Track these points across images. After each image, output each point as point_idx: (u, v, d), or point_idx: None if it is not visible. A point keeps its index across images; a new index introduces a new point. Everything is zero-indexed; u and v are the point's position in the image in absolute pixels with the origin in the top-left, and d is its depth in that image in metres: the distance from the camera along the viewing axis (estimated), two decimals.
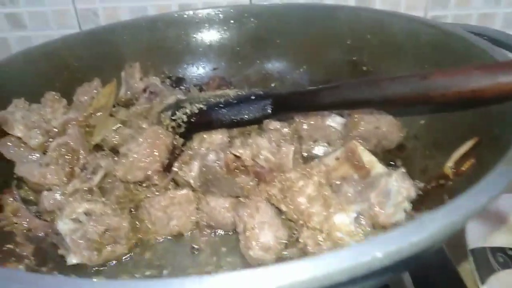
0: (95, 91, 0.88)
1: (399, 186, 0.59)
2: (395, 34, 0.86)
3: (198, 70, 1.06)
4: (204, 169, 0.63)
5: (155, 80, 0.91)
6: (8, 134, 0.72)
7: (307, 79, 1.00)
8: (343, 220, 0.55)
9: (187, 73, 1.05)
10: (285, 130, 0.69)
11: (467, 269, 0.77)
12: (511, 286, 0.73)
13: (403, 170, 0.60)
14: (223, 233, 0.64)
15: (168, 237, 0.64)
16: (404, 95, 0.55)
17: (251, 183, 0.60)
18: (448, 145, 0.65)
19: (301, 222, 0.56)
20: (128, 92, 0.91)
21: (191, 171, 0.64)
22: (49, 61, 0.87)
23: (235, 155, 0.59)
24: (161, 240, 0.64)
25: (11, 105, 0.74)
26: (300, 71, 1.01)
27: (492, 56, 0.58)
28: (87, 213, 0.58)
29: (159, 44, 1.01)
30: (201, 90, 1.00)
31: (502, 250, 0.80)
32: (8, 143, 0.70)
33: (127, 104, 0.90)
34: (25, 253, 0.57)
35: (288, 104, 0.69)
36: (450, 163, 0.63)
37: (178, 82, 1.03)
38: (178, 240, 0.64)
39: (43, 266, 0.57)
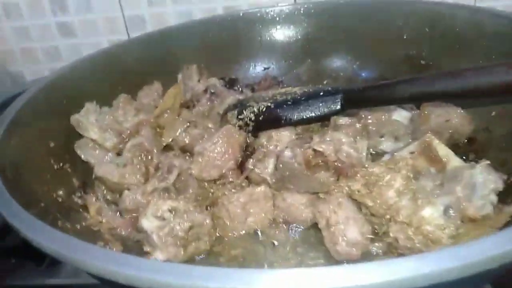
0: (156, 93, 0.90)
1: (485, 178, 0.58)
2: (456, 26, 0.84)
3: (250, 71, 1.07)
4: (280, 165, 0.63)
5: (215, 81, 0.92)
6: (83, 136, 0.75)
7: (361, 76, 1.00)
8: (432, 213, 0.54)
9: (239, 74, 1.06)
10: (358, 125, 0.69)
11: None
12: None
13: (487, 162, 0.59)
14: (300, 229, 0.64)
15: (245, 234, 0.65)
16: (488, 87, 0.54)
17: (331, 179, 0.60)
18: None
19: (388, 216, 0.55)
20: (187, 94, 0.93)
21: (267, 168, 0.65)
22: (112, 66, 0.89)
23: (315, 151, 0.59)
24: (239, 236, 0.64)
25: (84, 109, 0.76)
26: (353, 68, 1.01)
27: None
28: (171, 211, 0.59)
29: (211, 46, 1.03)
30: (253, 90, 1.01)
31: None
32: (85, 145, 0.72)
33: (187, 105, 0.91)
34: (115, 249, 0.59)
35: (360, 99, 0.69)
36: None
37: (231, 83, 1.04)
38: (255, 236, 0.64)
39: None
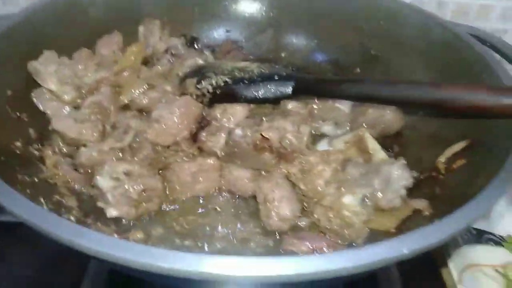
0: (116, 45, 0.90)
1: (399, 175, 0.69)
2: (408, 26, 0.92)
3: (212, 31, 1.08)
4: (231, 142, 0.70)
5: (176, 41, 0.94)
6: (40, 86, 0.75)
7: (316, 56, 1.06)
8: (351, 201, 0.64)
9: (201, 33, 1.07)
10: (303, 111, 0.76)
11: None
12: (469, 259, 0.87)
13: (403, 161, 0.70)
14: (240, 199, 0.73)
15: (192, 198, 0.72)
16: (419, 100, 0.63)
17: (273, 160, 0.68)
18: (443, 141, 0.74)
19: (315, 200, 0.65)
20: (148, 49, 0.94)
21: (218, 142, 0.71)
22: (73, 12, 0.87)
23: (263, 136, 0.66)
24: (186, 200, 0.72)
25: (42, 57, 0.76)
26: (311, 46, 1.06)
27: (497, 74, 0.66)
28: (126, 173, 0.65)
29: (177, 2, 1.03)
30: (213, 51, 1.04)
31: (467, 229, 0.94)
32: (42, 95, 0.74)
33: (147, 60, 0.93)
34: (70, 204, 0.64)
35: (309, 89, 0.76)
36: (442, 159, 0.73)
37: (192, 41, 1.06)
38: (201, 202, 0.72)
39: (87, 217, 0.64)
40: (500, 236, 0.95)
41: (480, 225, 0.95)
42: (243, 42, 1.09)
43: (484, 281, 0.84)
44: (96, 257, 0.40)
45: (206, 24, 1.08)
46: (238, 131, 0.70)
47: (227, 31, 1.09)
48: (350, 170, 0.72)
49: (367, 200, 0.65)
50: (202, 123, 0.75)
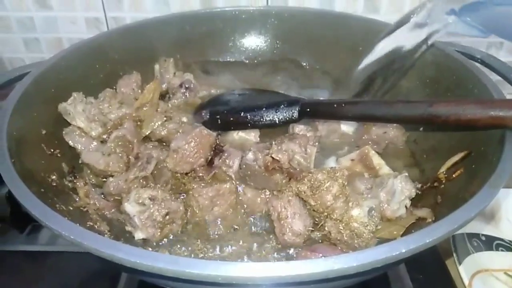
0: (135, 83, 0.99)
1: (403, 187, 0.74)
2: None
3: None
4: (244, 166, 0.77)
5: (189, 76, 1.02)
6: (70, 124, 0.84)
7: (318, 78, 1.12)
8: (359, 213, 0.69)
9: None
10: (310, 134, 0.82)
11: (446, 250, 0.93)
12: (480, 265, 0.90)
13: (406, 174, 0.75)
14: (256, 218, 0.78)
15: (211, 219, 0.78)
16: (414, 117, 0.69)
17: (283, 180, 0.74)
18: (443, 153, 0.79)
19: (325, 214, 0.70)
20: (164, 85, 1.03)
21: (231, 167, 0.78)
22: (95, 56, 0.96)
23: (273, 158, 0.73)
24: (206, 221, 0.78)
25: (70, 98, 0.84)
26: (313, 70, 1.13)
27: (487, 87, 0.72)
28: (151, 198, 0.71)
29: (187, 39, 1.11)
30: None
31: (476, 235, 0.97)
32: (72, 133, 0.82)
33: (163, 94, 1.01)
34: (102, 229, 0.71)
35: (314, 112, 0.82)
36: (443, 169, 0.78)
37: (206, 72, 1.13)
38: (219, 222, 0.78)
39: (118, 240, 0.70)
40: (510, 241, 0.98)
41: (491, 232, 0.99)
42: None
43: (494, 284, 0.86)
44: (133, 267, 0.46)
45: (216, 57, 1.16)
46: (250, 155, 0.76)
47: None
48: (357, 184, 0.77)
49: (374, 212, 0.70)
50: (217, 150, 0.82)
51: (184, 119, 0.90)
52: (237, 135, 0.85)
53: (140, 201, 0.71)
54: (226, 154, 0.79)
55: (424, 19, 0.78)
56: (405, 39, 0.81)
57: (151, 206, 0.71)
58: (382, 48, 0.84)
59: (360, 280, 0.58)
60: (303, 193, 0.72)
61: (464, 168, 0.72)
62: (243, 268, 0.43)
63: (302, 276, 0.42)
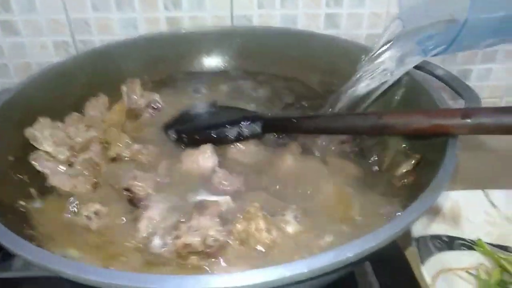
0: (102, 106, 1.01)
1: None
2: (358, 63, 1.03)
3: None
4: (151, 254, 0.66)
5: (156, 96, 1.04)
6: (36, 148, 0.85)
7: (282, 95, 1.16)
8: (292, 227, 0.70)
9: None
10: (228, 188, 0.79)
11: (412, 253, 0.97)
12: (443, 264, 0.94)
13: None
14: None
15: None
16: (364, 128, 0.74)
17: (202, 262, 0.65)
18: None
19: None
20: (131, 106, 1.05)
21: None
22: (61, 80, 0.98)
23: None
24: None
25: (37, 123, 0.86)
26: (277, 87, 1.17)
27: (433, 98, 0.77)
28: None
29: (153, 61, 1.14)
30: None
31: (438, 237, 1.02)
32: (39, 157, 0.83)
33: (131, 117, 1.03)
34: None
35: (276, 126, 0.87)
36: (397, 175, 0.82)
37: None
38: None
39: None
40: (471, 240, 1.03)
41: (453, 233, 1.03)
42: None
43: (457, 283, 0.90)
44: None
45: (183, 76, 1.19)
46: (157, 241, 0.67)
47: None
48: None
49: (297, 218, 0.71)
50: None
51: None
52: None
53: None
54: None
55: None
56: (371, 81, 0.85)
57: None
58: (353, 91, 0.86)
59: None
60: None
61: (416, 175, 0.77)
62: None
63: None
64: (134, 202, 0.76)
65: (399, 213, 0.53)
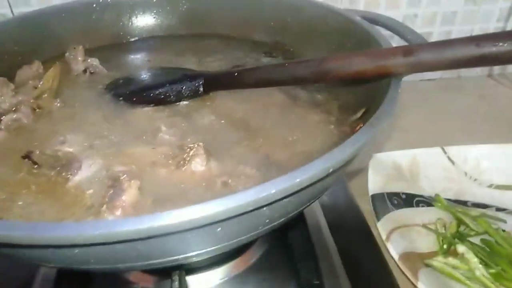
0: (36, 72, 0.94)
1: None
2: (312, 21, 0.99)
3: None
4: None
5: (94, 61, 0.98)
6: None
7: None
8: None
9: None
10: None
11: (369, 211, 0.95)
12: (400, 221, 0.92)
13: None
14: None
15: None
16: (306, 76, 0.70)
17: None
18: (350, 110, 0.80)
19: None
20: (72, 72, 0.98)
21: None
22: None
23: None
24: None
25: None
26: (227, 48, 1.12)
27: (380, 43, 0.74)
28: None
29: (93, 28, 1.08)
30: None
31: (397, 194, 1.00)
32: None
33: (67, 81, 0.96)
34: None
35: (218, 83, 0.82)
36: (348, 123, 0.79)
37: None
38: None
39: None
40: (429, 196, 1.01)
41: (412, 190, 1.02)
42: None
43: (413, 237, 0.89)
44: None
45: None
46: None
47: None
48: None
49: None
50: None
51: None
52: None
53: None
54: None
55: None
56: None
57: None
58: None
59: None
60: None
61: (363, 123, 0.73)
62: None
63: None
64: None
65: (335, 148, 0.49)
